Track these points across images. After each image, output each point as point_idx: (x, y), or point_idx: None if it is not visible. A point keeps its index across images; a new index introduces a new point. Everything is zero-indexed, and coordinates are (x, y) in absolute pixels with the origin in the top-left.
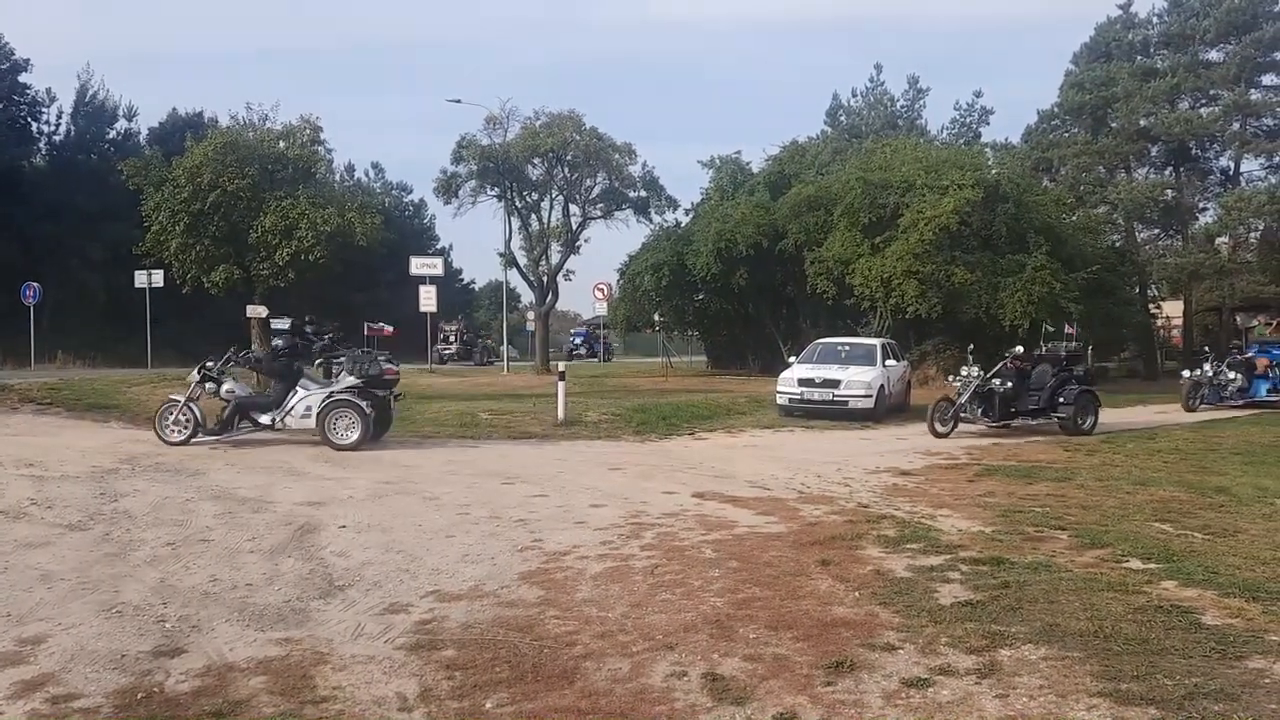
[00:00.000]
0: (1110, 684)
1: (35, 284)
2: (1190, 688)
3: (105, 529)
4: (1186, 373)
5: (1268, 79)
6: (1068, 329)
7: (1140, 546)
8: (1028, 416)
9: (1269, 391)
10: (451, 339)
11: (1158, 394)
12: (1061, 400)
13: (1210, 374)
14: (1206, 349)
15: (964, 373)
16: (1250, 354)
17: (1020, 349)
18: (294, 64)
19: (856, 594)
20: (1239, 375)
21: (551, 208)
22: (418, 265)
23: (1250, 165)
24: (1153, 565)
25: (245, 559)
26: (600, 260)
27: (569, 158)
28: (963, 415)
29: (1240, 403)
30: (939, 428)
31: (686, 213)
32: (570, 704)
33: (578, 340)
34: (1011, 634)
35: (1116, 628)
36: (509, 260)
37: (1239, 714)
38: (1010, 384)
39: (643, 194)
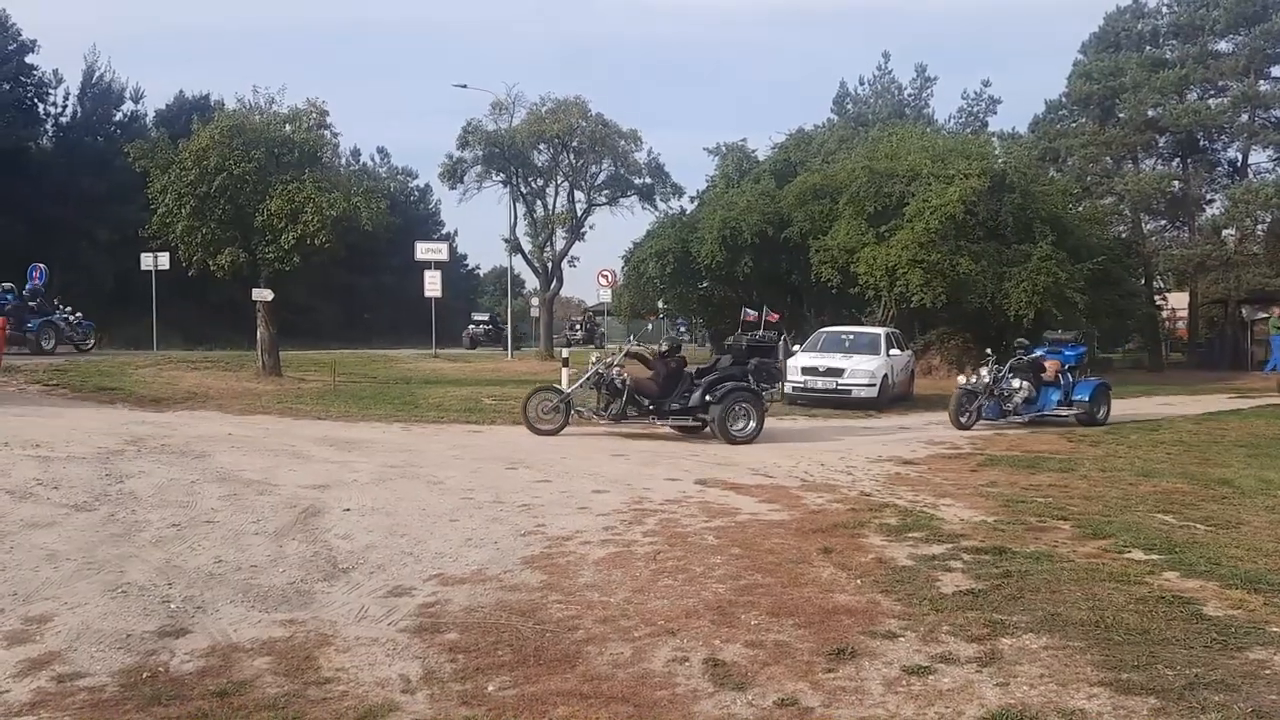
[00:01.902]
0: (1111, 674)
1: (42, 266)
2: (1191, 678)
3: (111, 510)
4: (962, 379)
5: (1277, 70)
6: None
7: (1142, 537)
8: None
9: (1060, 403)
10: (484, 324)
11: (1162, 385)
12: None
13: (990, 381)
14: (989, 351)
15: (984, 373)
16: (1038, 354)
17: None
18: (301, 47)
19: (858, 582)
20: (1025, 383)
21: (557, 194)
22: (423, 250)
23: (1258, 157)
24: (1155, 556)
25: (250, 540)
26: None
27: (574, 144)
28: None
29: (1026, 417)
30: (961, 420)
31: (691, 200)
32: (572, 688)
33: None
34: (1013, 623)
35: (1118, 618)
36: (514, 246)
37: (1239, 705)
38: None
39: (648, 181)
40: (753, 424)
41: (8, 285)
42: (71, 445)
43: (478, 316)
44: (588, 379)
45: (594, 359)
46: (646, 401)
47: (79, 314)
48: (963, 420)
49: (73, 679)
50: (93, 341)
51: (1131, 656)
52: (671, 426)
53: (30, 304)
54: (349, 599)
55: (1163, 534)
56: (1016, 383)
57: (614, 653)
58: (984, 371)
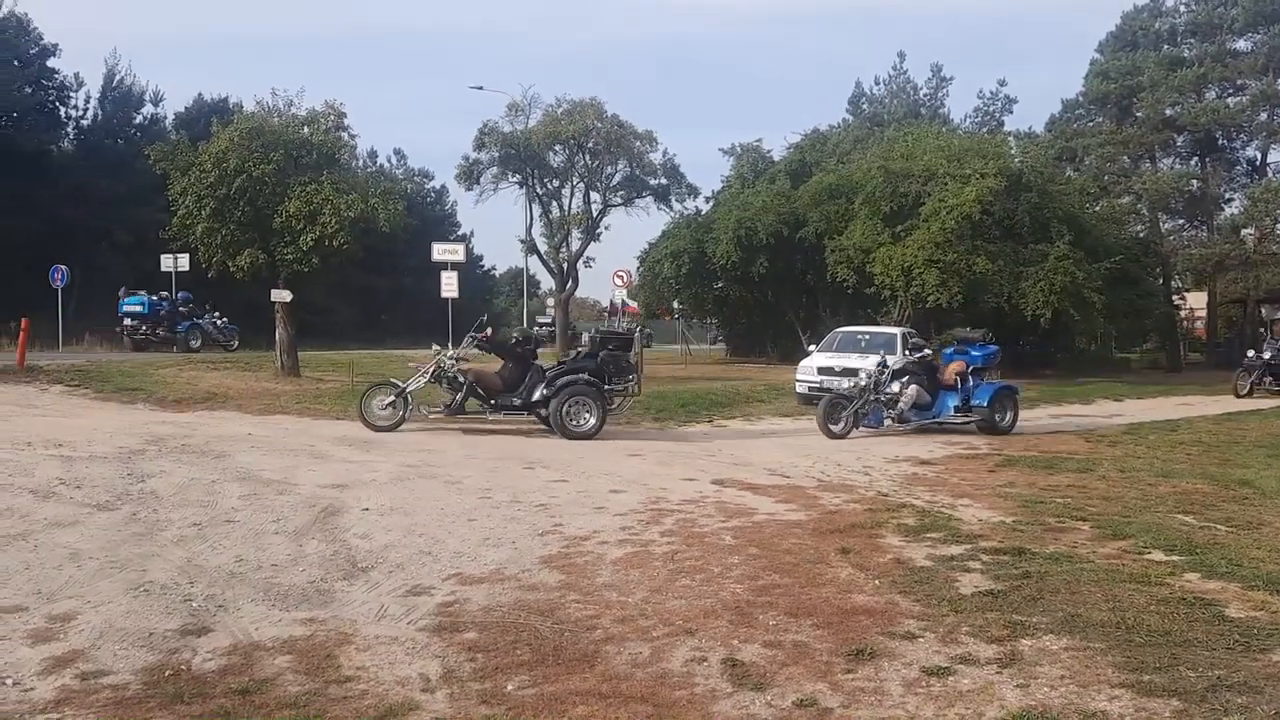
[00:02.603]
0: (1132, 675)
1: (63, 267)
2: (1213, 680)
3: (133, 509)
4: (850, 382)
5: None
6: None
7: (1163, 538)
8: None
9: (958, 409)
10: (546, 325)
11: (1180, 385)
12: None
13: (870, 383)
14: (883, 354)
15: (863, 375)
16: (928, 353)
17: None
18: (318, 51)
19: (876, 582)
20: (914, 386)
21: (572, 195)
22: (439, 251)
23: (1277, 156)
24: (1175, 557)
25: (270, 540)
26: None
27: (590, 145)
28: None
29: (913, 425)
30: (833, 428)
31: (707, 200)
32: (591, 687)
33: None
34: (1033, 624)
35: (1139, 619)
36: (530, 247)
37: (1262, 707)
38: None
39: (663, 182)
40: (592, 420)
41: (164, 294)
42: (93, 445)
43: (541, 320)
44: (426, 372)
45: (434, 350)
46: (488, 396)
47: (225, 318)
48: (834, 429)
49: (96, 677)
50: (236, 343)
51: (1153, 658)
52: (539, 419)
53: (181, 309)
54: (369, 598)
55: (1183, 535)
56: (895, 385)
57: (632, 652)
58: (863, 373)
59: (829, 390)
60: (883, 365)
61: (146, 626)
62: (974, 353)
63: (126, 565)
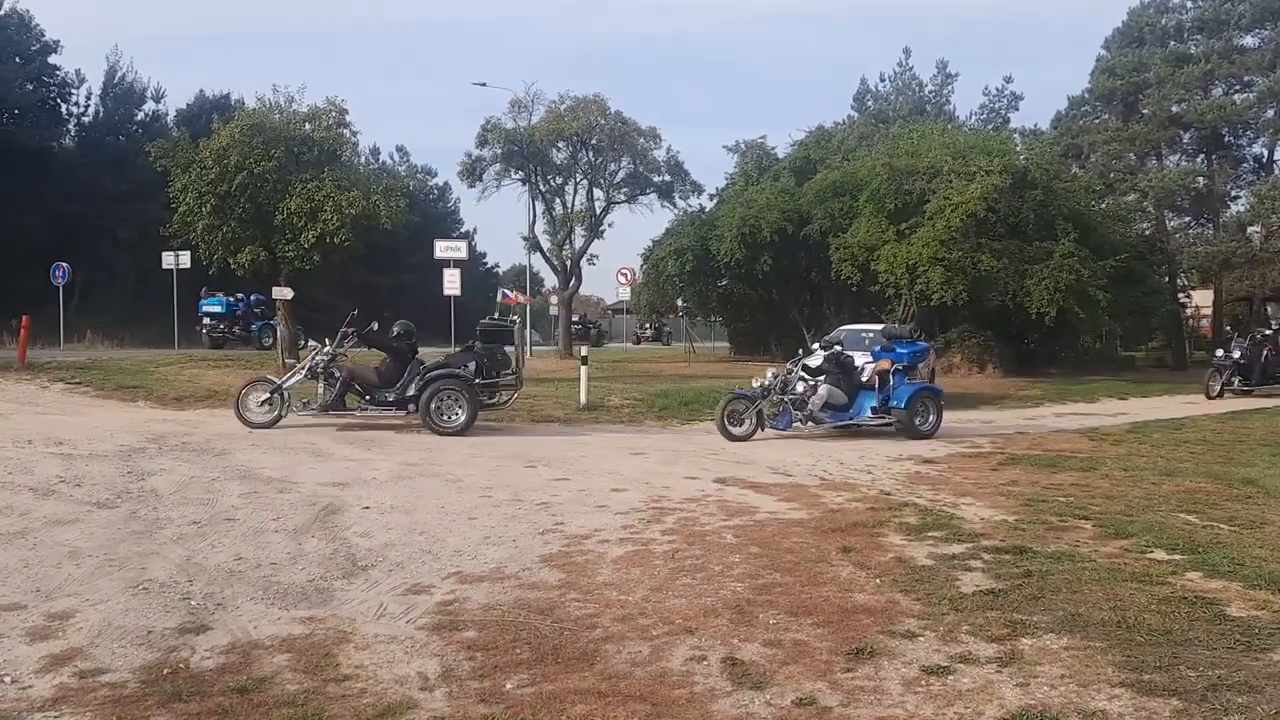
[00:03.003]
0: (1133, 675)
1: (64, 264)
2: (1214, 680)
3: (132, 507)
4: (757, 381)
5: None
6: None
7: (1165, 537)
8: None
9: (876, 410)
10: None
11: (1185, 384)
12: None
13: (775, 382)
14: (802, 350)
15: (769, 373)
16: (839, 349)
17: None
18: (320, 47)
19: (877, 581)
20: (829, 386)
21: (575, 192)
22: (442, 249)
23: None
24: (1177, 556)
25: (270, 538)
26: (624, 245)
27: (593, 142)
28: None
29: (827, 426)
30: (733, 430)
31: (711, 198)
32: (590, 686)
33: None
34: (1033, 623)
35: (1140, 618)
36: (533, 244)
37: (1263, 706)
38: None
39: (667, 179)
40: (462, 416)
41: (240, 295)
42: (94, 443)
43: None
44: (303, 368)
45: (310, 344)
46: (364, 391)
47: (824, 338)
48: (735, 430)
49: (94, 675)
50: (305, 341)
51: (1153, 657)
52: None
53: (255, 310)
54: (368, 597)
55: (1186, 534)
56: (801, 386)
57: (632, 651)
58: (770, 372)
59: None
60: (796, 362)
61: (145, 625)
62: (900, 350)
63: (126, 563)
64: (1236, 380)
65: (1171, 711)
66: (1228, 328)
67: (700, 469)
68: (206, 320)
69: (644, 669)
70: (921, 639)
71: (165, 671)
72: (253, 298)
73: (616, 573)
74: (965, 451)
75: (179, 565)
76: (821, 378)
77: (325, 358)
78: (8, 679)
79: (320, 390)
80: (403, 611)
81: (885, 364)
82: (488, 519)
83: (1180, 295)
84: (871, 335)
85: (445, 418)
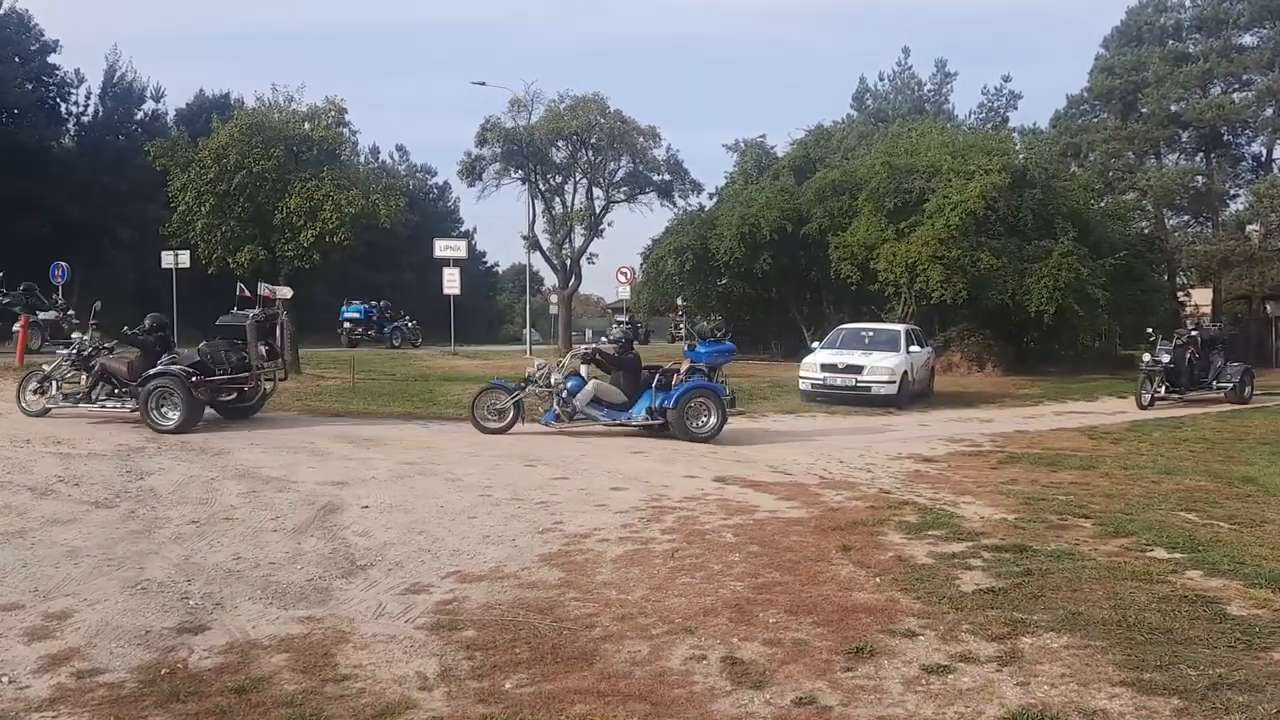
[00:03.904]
0: (1133, 673)
1: (63, 263)
2: (1214, 678)
3: (131, 506)
4: (528, 370)
5: None
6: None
7: (1165, 536)
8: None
9: (652, 410)
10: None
11: None
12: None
13: (541, 374)
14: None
15: (537, 363)
16: (605, 342)
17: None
18: (319, 46)
19: (877, 580)
20: (592, 381)
21: (575, 191)
22: (441, 248)
23: None
24: (1178, 555)
25: (268, 538)
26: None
27: (593, 141)
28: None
29: (602, 423)
30: (486, 424)
31: (710, 197)
32: (589, 685)
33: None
34: (1033, 622)
35: (1140, 617)
36: (532, 243)
37: (1263, 705)
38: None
39: (666, 178)
40: (173, 415)
41: (374, 302)
42: (92, 442)
43: (620, 319)
44: (66, 358)
45: (75, 336)
46: (117, 385)
47: (415, 321)
48: (489, 425)
49: (92, 675)
50: (420, 340)
51: (1154, 656)
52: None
53: (386, 314)
54: (367, 596)
55: (1186, 532)
56: (572, 380)
57: (631, 650)
58: (537, 361)
59: (833, 388)
60: (576, 356)
61: (143, 624)
62: (699, 349)
63: (124, 563)
64: (1164, 388)
65: (1172, 710)
66: (1148, 330)
67: (700, 467)
68: (347, 324)
69: (643, 668)
70: (921, 638)
71: (163, 671)
72: (383, 304)
73: (616, 572)
74: (965, 450)
75: (177, 565)
76: (584, 370)
77: (86, 349)
78: (5, 679)
79: (83, 381)
80: (401, 611)
81: (685, 363)
82: (487, 518)
83: (1179, 294)
84: (871, 334)
85: (162, 416)
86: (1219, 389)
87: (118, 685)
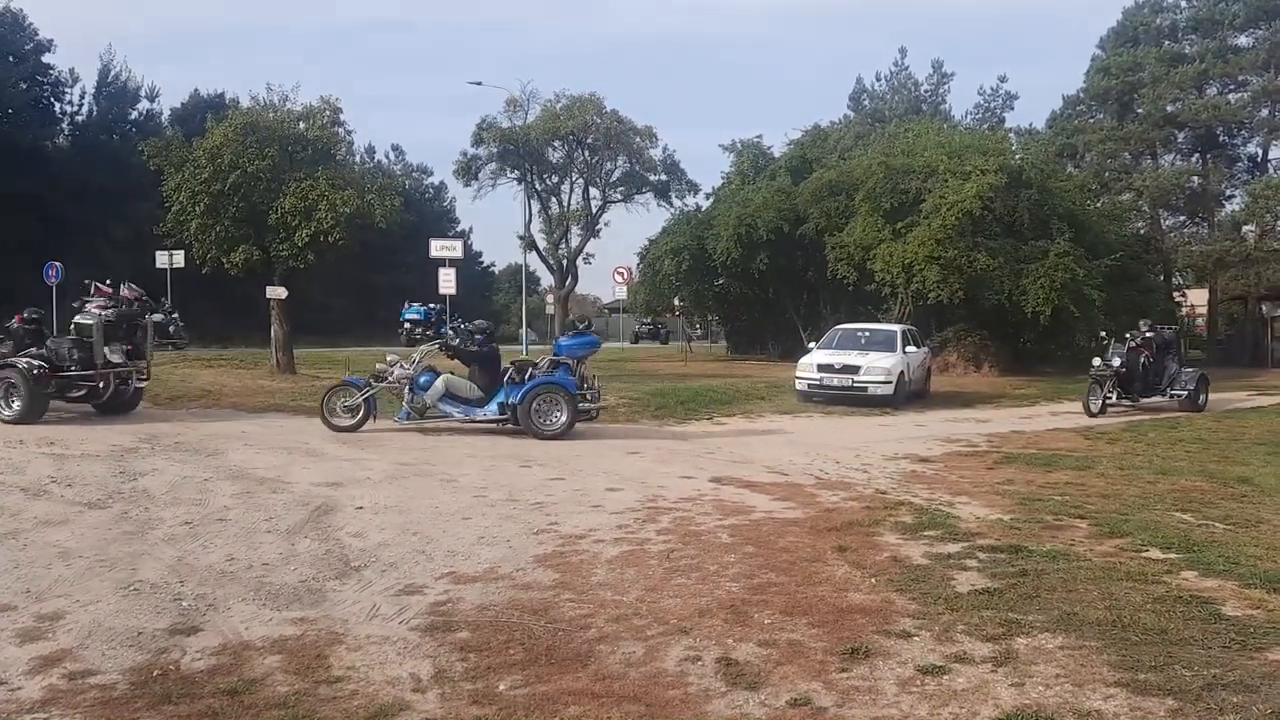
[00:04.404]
0: (1128, 674)
1: (57, 263)
2: (1209, 679)
3: (124, 507)
4: (380, 364)
5: None
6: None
7: (1160, 536)
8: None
9: (503, 406)
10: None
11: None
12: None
13: (391, 369)
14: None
15: (391, 358)
16: (448, 335)
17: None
18: (314, 46)
19: (873, 580)
20: (442, 377)
21: (571, 191)
22: (437, 248)
23: (1279, 152)
24: (1173, 555)
25: (262, 539)
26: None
27: (589, 140)
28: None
29: (456, 419)
30: (335, 421)
31: (707, 197)
32: (584, 687)
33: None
34: (1028, 622)
35: (1135, 617)
36: (528, 243)
37: (1258, 706)
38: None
39: (663, 178)
40: (18, 405)
41: (433, 305)
42: (86, 443)
43: (644, 320)
44: None
45: None
46: None
47: (468, 322)
48: (337, 421)
49: (84, 676)
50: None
51: (1148, 657)
52: None
53: (444, 316)
54: (360, 597)
55: (1181, 533)
56: (401, 372)
57: (626, 652)
58: (390, 357)
59: (830, 388)
60: (428, 351)
61: (135, 626)
62: (560, 342)
63: (116, 564)
64: (1116, 394)
65: (1167, 711)
66: (1102, 333)
67: (696, 468)
68: (407, 324)
69: (638, 669)
70: (917, 639)
71: (155, 673)
72: (438, 306)
73: (611, 573)
74: (961, 450)
75: (170, 566)
76: (425, 364)
77: None
78: None
79: None
80: (395, 612)
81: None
82: (482, 519)
83: (1175, 294)
84: (868, 334)
85: (7, 405)
86: (1173, 396)
87: (110, 687)
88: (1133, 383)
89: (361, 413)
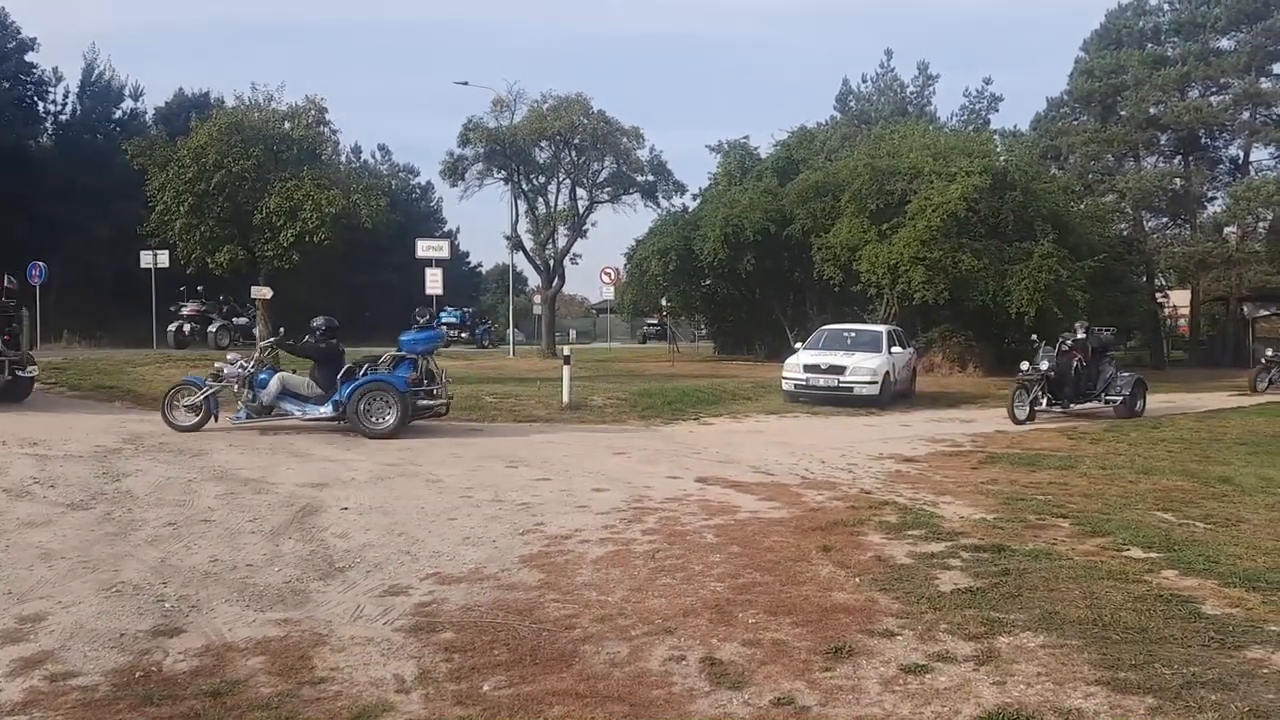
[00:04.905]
0: (1108, 672)
1: (41, 263)
2: (1188, 677)
3: (107, 508)
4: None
5: (1278, 68)
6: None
7: (1141, 535)
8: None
9: (337, 404)
10: (653, 325)
11: (1163, 383)
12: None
13: (232, 366)
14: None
15: (231, 357)
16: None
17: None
18: (300, 45)
19: (857, 580)
20: (278, 376)
21: (558, 191)
22: (424, 248)
23: (1260, 154)
24: (1154, 554)
25: (246, 540)
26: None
27: (576, 141)
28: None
29: (296, 419)
30: (173, 417)
31: (694, 198)
32: (568, 687)
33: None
34: (1010, 621)
35: (1115, 616)
36: (515, 244)
37: (1237, 704)
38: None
39: (650, 178)
40: None
41: (466, 309)
42: (69, 443)
43: (650, 321)
44: None
45: None
46: None
47: (494, 325)
48: (177, 420)
49: (65, 678)
50: (489, 342)
51: (1129, 655)
52: None
53: (478, 319)
54: (345, 598)
55: (1162, 532)
56: (237, 370)
57: (611, 652)
58: (231, 355)
59: (816, 388)
60: (265, 348)
61: (118, 627)
62: (403, 337)
63: (99, 565)
64: (1046, 400)
65: (1146, 709)
66: (1034, 336)
67: (682, 468)
68: (443, 327)
69: (623, 669)
70: (900, 638)
71: (137, 675)
72: (472, 310)
73: (596, 573)
74: (946, 450)
75: (153, 567)
76: (266, 362)
77: None
78: None
79: None
80: (380, 613)
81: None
82: (467, 519)
83: (1158, 295)
84: (854, 335)
85: None
86: (1108, 401)
87: (91, 688)
88: (1063, 388)
89: (203, 412)
